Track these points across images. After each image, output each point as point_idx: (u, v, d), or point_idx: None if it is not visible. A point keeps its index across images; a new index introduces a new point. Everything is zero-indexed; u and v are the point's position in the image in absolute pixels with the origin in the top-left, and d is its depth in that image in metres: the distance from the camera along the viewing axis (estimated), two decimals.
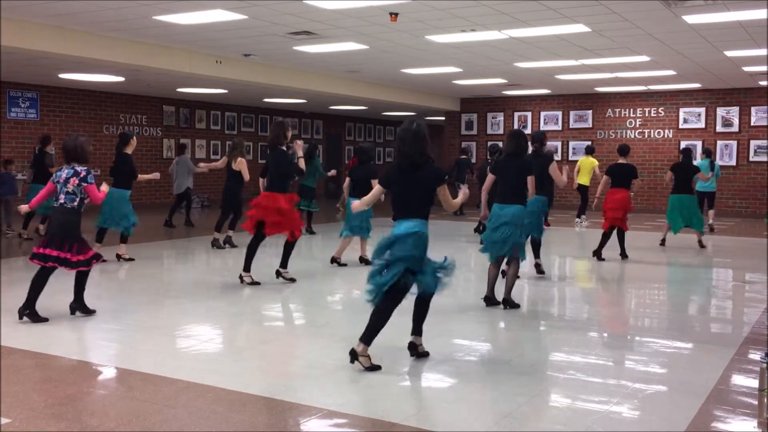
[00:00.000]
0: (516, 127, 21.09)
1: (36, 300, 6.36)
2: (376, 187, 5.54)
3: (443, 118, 23.24)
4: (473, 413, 4.32)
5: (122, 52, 11.95)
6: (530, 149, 8.89)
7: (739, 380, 5.03)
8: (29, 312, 6.33)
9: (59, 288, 6.66)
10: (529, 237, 8.77)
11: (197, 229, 14.23)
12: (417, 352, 5.38)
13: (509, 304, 7.22)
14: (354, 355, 5.04)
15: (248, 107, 22.81)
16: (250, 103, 21.76)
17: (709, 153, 14.90)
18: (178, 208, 14.79)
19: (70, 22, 10.65)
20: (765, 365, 3.94)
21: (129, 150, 9.73)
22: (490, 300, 7.31)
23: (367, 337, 5.06)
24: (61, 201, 6.35)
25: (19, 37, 10.45)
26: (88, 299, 6.71)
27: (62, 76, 15.18)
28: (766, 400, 3.85)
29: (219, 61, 13.66)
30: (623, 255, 10.53)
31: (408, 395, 4.75)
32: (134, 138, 9.91)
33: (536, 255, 9.16)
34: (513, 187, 7.16)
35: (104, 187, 6.85)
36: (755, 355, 5.54)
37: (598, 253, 10.49)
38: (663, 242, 12.26)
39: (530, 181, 7.27)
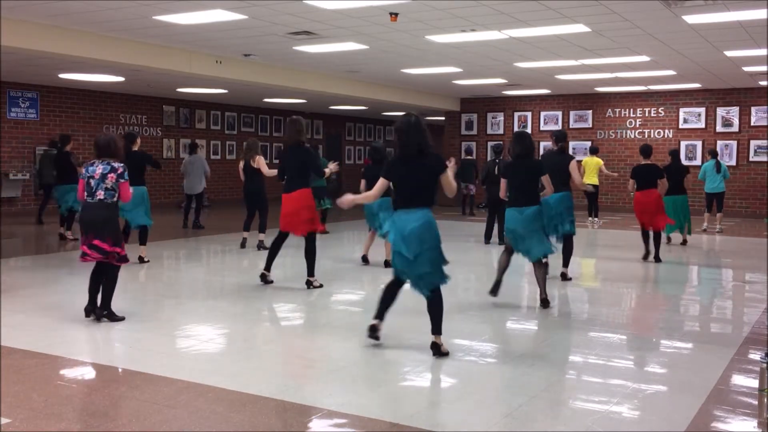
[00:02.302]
0: (516, 127, 21.11)
1: (110, 300, 6.43)
2: (381, 181, 5.60)
3: (443, 118, 23.23)
4: (473, 413, 4.32)
5: (122, 52, 11.94)
6: (550, 148, 8.90)
7: (739, 380, 5.02)
8: (108, 312, 6.40)
9: (63, 288, 6.66)
10: (563, 238, 8.68)
11: (196, 228, 14.22)
12: (440, 352, 5.37)
13: (546, 303, 7.22)
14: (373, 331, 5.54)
15: (248, 107, 22.81)
16: (250, 103, 21.76)
17: (714, 154, 14.90)
18: (190, 207, 14.66)
19: (70, 22, 10.64)
20: (765, 365, 3.94)
21: (136, 147, 9.84)
22: (498, 285, 7.31)
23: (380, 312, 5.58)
24: (100, 197, 6.27)
25: (19, 37, 10.44)
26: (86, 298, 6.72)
27: (62, 76, 15.18)
28: (766, 400, 3.85)
29: (219, 61, 13.66)
30: (657, 258, 10.32)
31: (408, 395, 4.75)
32: (139, 137, 10.15)
33: (565, 263, 8.80)
34: (527, 190, 7.17)
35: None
36: (755, 355, 5.54)
37: (656, 256, 10.34)
38: (669, 240, 12.33)
39: (545, 180, 7.30)
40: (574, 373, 5.14)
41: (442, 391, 4.86)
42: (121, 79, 15.56)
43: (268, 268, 8.32)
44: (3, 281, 8.21)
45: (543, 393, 4.69)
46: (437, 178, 5.35)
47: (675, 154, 12.15)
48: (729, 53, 12.94)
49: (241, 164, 11.38)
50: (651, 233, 10.44)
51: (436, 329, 5.38)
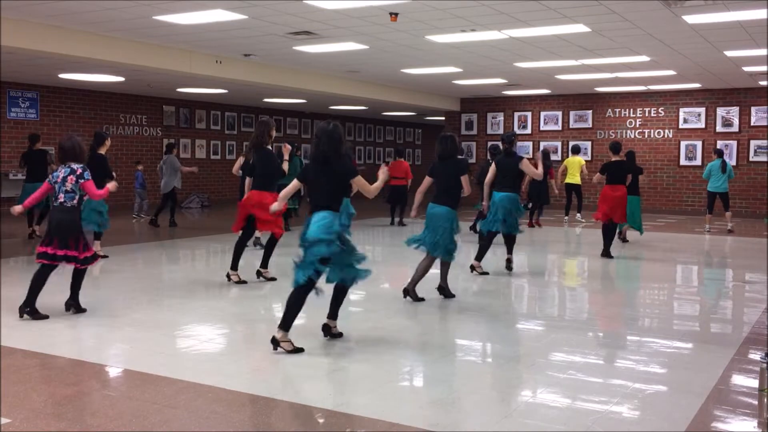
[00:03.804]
0: (516, 127, 21.13)
1: (35, 298, 6.42)
2: (294, 181, 5.94)
3: (443, 118, 23.23)
4: (473, 413, 4.32)
5: (122, 52, 11.95)
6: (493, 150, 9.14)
7: (739, 380, 5.02)
8: (29, 310, 6.39)
9: (62, 287, 6.65)
10: (508, 232, 9.00)
11: (196, 229, 14.23)
12: (331, 333, 5.86)
13: (443, 291, 7.41)
14: (276, 343, 5.40)
15: (248, 107, 22.82)
16: (250, 103, 21.76)
17: (720, 153, 14.85)
18: (165, 207, 14.61)
19: (70, 22, 10.65)
20: (765, 365, 3.94)
21: (103, 150, 9.74)
22: (408, 293, 7.38)
23: (286, 323, 5.48)
24: (61, 200, 6.41)
25: (19, 37, 10.45)
26: (88, 299, 6.72)
27: (62, 76, 15.18)
28: (766, 400, 3.85)
29: (219, 61, 13.66)
30: (608, 254, 10.55)
31: (408, 395, 4.75)
32: (109, 139, 9.96)
33: (509, 251, 9.21)
34: (445, 189, 7.37)
35: (111, 185, 6.84)
36: (755, 355, 5.54)
37: (606, 251, 10.56)
38: (621, 234, 12.45)
39: (464, 180, 7.38)
40: (573, 373, 5.14)
41: (442, 391, 4.86)
42: (121, 79, 15.56)
43: (264, 265, 8.54)
44: (3, 281, 8.21)
45: (542, 393, 4.69)
46: (347, 182, 5.61)
47: (631, 155, 12.12)
48: (729, 53, 12.95)
49: (240, 161, 11.24)
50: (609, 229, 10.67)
51: (334, 314, 5.89)
